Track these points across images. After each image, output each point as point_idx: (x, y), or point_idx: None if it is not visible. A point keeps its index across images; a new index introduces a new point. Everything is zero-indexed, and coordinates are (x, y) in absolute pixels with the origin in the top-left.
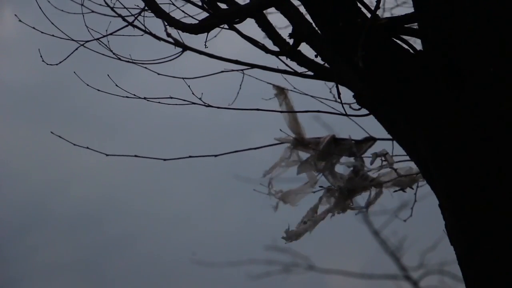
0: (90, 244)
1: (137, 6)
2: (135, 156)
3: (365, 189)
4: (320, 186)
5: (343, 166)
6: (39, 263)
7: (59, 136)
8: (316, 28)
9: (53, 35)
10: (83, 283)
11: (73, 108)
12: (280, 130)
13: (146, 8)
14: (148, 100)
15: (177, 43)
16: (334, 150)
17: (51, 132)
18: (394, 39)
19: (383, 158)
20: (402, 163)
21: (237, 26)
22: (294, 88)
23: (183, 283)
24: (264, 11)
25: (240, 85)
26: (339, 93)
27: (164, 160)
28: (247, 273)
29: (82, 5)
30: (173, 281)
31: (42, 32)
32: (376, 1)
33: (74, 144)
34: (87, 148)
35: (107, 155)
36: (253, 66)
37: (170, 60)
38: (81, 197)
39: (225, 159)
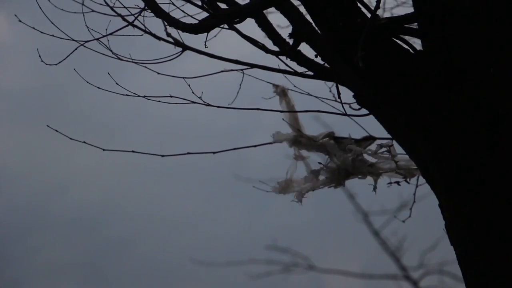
0: (90, 245)
1: (137, 6)
2: (132, 151)
3: (362, 173)
4: (319, 163)
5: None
6: (39, 265)
7: (56, 130)
8: (316, 28)
9: (53, 35)
10: (83, 284)
11: (73, 110)
12: (283, 119)
13: (146, 8)
14: (147, 99)
15: (177, 43)
16: (333, 144)
17: (47, 126)
18: (394, 39)
19: (386, 149)
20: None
21: (237, 26)
22: (295, 86)
23: (183, 284)
24: (264, 11)
25: (240, 85)
26: (339, 93)
27: (162, 156)
28: (247, 273)
29: (82, 4)
30: (174, 282)
31: (42, 32)
32: (376, 1)
33: (71, 138)
34: (84, 142)
35: (103, 149)
36: (253, 66)
37: (170, 60)
38: (81, 199)
39: (225, 159)
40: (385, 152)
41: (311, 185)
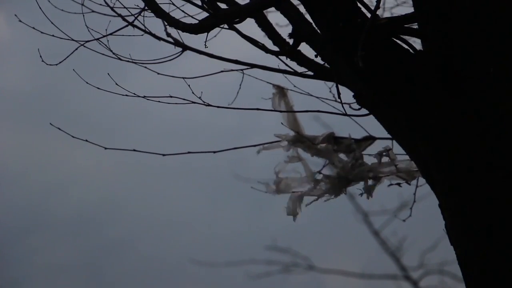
0: (90, 246)
1: (137, 6)
2: (134, 150)
3: (363, 178)
4: (319, 172)
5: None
6: (40, 265)
7: (58, 128)
8: (316, 28)
9: (53, 35)
10: (84, 285)
11: (73, 110)
12: (282, 123)
13: (146, 8)
14: (147, 99)
15: (177, 43)
16: (333, 147)
17: (50, 124)
18: (394, 39)
19: (385, 153)
20: (403, 157)
21: (237, 26)
22: (295, 86)
23: (183, 284)
24: (264, 11)
25: (240, 85)
26: (339, 93)
27: (163, 155)
28: (247, 273)
29: (82, 4)
30: (173, 282)
31: (42, 32)
32: (376, 1)
33: (73, 136)
34: (86, 141)
35: (105, 148)
36: (253, 66)
37: (170, 60)
38: (81, 199)
39: (225, 159)
40: (385, 157)
41: (309, 192)
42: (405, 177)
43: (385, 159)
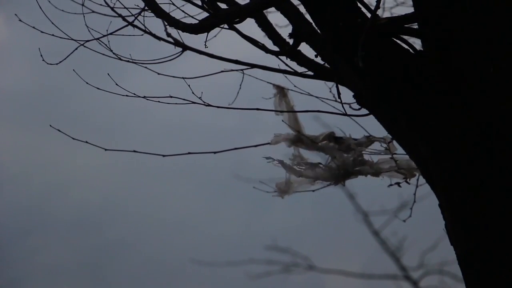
0: (90, 246)
1: (137, 6)
2: (134, 151)
3: (362, 173)
4: (319, 163)
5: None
6: (40, 265)
7: (58, 130)
8: (316, 28)
9: (53, 35)
10: (84, 285)
11: (73, 110)
12: (283, 121)
13: (146, 8)
14: (147, 99)
15: (177, 43)
16: (333, 146)
17: (50, 125)
18: (394, 39)
19: (385, 146)
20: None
21: (237, 26)
22: (295, 86)
23: (183, 284)
24: (264, 11)
25: (240, 85)
26: (339, 93)
27: (163, 156)
28: (247, 273)
29: (82, 5)
30: (174, 282)
31: (42, 32)
32: (376, 1)
33: (73, 138)
34: (86, 142)
35: (105, 149)
36: (253, 66)
37: (170, 60)
38: (81, 199)
39: (225, 159)
40: (385, 149)
41: (308, 181)
42: (405, 173)
43: (384, 157)
